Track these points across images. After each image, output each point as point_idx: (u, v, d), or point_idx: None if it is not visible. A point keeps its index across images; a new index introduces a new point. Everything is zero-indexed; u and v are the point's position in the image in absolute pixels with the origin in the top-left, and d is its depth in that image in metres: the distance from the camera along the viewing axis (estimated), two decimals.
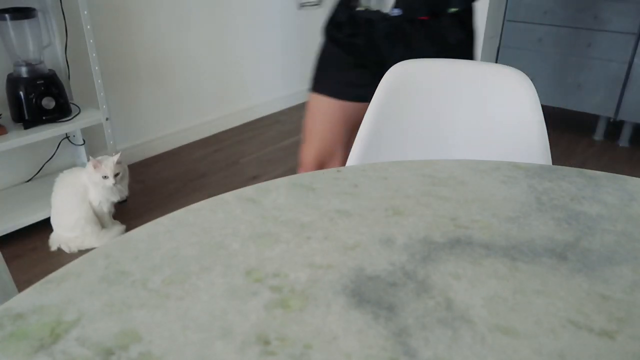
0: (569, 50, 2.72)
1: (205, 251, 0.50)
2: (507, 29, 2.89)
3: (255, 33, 2.71)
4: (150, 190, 2.11)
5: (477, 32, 1.14)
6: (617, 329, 0.42)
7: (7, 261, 0.66)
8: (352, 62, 1.18)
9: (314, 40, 1.46)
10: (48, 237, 1.74)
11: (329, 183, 0.63)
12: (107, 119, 1.86)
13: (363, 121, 0.97)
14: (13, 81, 1.72)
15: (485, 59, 2.88)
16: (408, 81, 0.97)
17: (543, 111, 0.93)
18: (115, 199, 1.71)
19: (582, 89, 2.75)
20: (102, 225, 1.75)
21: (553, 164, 0.82)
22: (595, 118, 2.81)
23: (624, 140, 2.76)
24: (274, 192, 0.59)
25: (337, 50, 1.19)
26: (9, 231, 1.72)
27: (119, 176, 1.63)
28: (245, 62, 2.73)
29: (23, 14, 1.69)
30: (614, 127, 2.79)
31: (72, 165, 2.05)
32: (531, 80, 0.95)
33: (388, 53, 1.13)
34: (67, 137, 2.03)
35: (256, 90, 2.85)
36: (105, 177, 1.61)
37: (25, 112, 1.72)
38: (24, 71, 1.72)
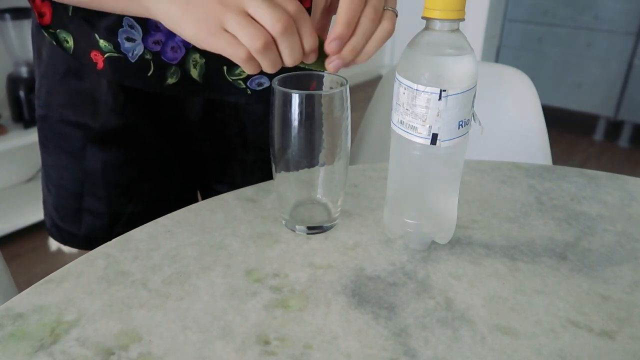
0: (569, 50, 2.72)
1: (205, 251, 0.50)
2: (507, 29, 2.89)
3: None
4: None
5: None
6: (617, 329, 0.42)
7: (7, 261, 0.66)
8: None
9: None
10: (48, 237, 1.74)
11: None
12: None
13: (362, 122, 0.97)
14: (13, 81, 1.72)
15: (485, 59, 2.88)
16: None
17: (543, 111, 0.94)
18: None
19: (582, 89, 2.75)
20: None
21: (553, 164, 0.82)
22: (595, 118, 2.82)
23: (624, 140, 2.76)
24: (274, 192, 0.59)
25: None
26: (9, 231, 1.72)
27: None
28: None
29: (23, 14, 1.69)
30: (614, 127, 2.79)
31: None
32: (531, 80, 0.95)
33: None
34: None
35: None
36: None
37: (25, 112, 1.72)
38: (24, 71, 1.72)
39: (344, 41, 0.45)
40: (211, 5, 0.42)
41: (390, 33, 0.46)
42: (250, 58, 0.43)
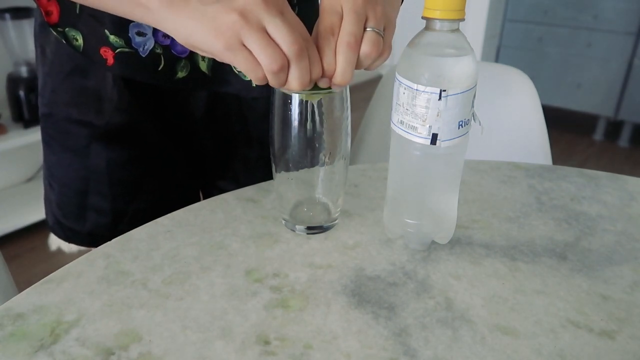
0: (569, 50, 2.72)
1: (205, 251, 0.50)
2: (507, 29, 2.89)
3: None
4: None
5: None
6: (617, 329, 0.42)
7: (7, 261, 0.66)
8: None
9: None
10: (48, 237, 1.74)
11: None
12: None
13: (362, 122, 0.97)
14: (13, 81, 1.72)
15: (485, 59, 2.88)
16: None
17: (543, 111, 0.94)
18: None
19: (582, 89, 2.75)
20: None
21: (553, 164, 0.82)
22: (595, 118, 2.82)
23: (624, 140, 2.76)
24: (274, 192, 0.59)
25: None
26: (8, 231, 1.72)
27: None
28: None
29: (23, 13, 1.69)
30: (614, 127, 2.79)
31: None
32: (531, 80, 0.95)
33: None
34: None
35: None
36: None
37: (25, 111, 1.72)
38: (24, 71, 1.72)
39: (330, 77, 0.45)
40: (231, 17, 0.41)
41: (370, 55, 0.44)
42: (265, 77, 0.44)
